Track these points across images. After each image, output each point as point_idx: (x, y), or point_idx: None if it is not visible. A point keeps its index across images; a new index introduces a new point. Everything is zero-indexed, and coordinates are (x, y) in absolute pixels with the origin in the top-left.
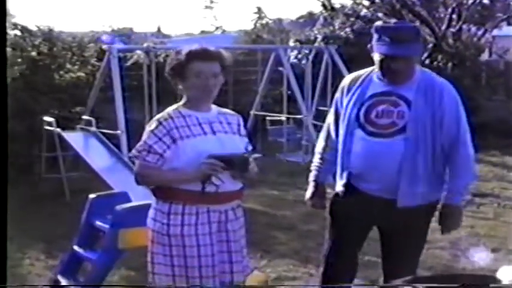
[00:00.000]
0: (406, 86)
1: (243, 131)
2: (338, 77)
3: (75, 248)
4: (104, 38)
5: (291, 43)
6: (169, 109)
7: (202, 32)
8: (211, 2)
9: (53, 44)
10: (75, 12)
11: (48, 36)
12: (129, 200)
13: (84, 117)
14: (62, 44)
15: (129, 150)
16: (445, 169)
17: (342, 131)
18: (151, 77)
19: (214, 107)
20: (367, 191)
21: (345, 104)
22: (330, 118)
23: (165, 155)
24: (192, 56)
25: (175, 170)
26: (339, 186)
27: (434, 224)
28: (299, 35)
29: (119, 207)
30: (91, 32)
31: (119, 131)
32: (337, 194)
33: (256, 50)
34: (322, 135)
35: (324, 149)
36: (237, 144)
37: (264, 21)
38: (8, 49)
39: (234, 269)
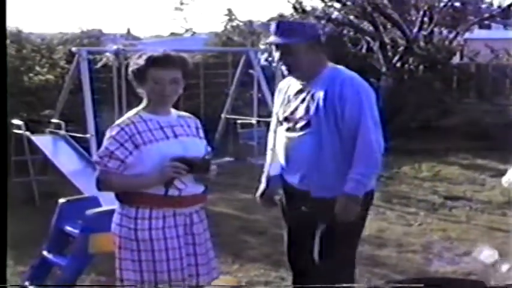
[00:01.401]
0: (315, 82)
1: (201, 133)
2: None
3: (45, 253)
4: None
5: (262, 45)
6: (130, 113)
7: (172, 34)
8: (181, 3)
9: (21, 46)
10: (44, 13)
11: (17, 37)
12: (99, 205)
13: (54, 120)
14: (30, 46)
15: None
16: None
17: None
18: (121, 79)
19: (173, 110)
20: (292, 184)
21: (277, 104)
22: (273, 118)
23: (127, 161)
24: (152, 61)
25: (137, 175)
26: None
27: (406, 227)
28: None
29: (89, 212)
30: (60, 33)
31: (88, 135)
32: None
33: (227, 52)
34: (270, 134)
35: (272, 147)
36: (199, 146)
37: (234, 23)
38: None
39: (200, 272)
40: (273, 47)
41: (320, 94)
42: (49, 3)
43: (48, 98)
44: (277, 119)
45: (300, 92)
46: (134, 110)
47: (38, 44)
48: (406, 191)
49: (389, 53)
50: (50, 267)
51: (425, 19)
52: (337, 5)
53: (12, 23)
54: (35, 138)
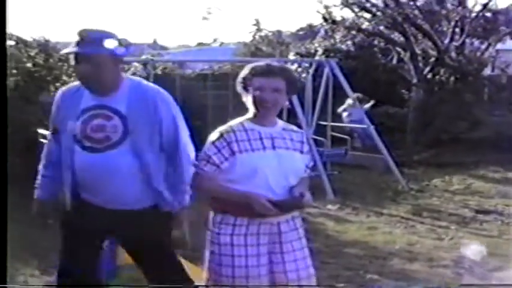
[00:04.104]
0: (115, 97)
1: (305, 148)
2: (338, 91)
3: None
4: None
5: (291, 56)
6: (233, 122)
7: (200, 44)
8: (209, 13)
9: (49, 56)
10: (71, 23)
11: (44, 47)
12: None
13: None
14: (58, 56)
15: None
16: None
17: (61, 147)
18: None
19: (280, 122)
20: (94, 203)
21: (59, 118)
22: (49, 134)
23: (222, 167)
24: (255, 71)
25: (228, 187)
26: (67, 200)
27: (437, 241)
28: (299, 47)
29: None
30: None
31: None
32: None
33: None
34: (44, 151)
35: (44, 166)
36: (297, 161)
37: (263, 33)
38: None
39: (290, 277)
40: (72, 57)
41: (131, 112)
42: (76, 13)
43: None
44: (72, 134)
45: (99, 107)
46: (239, 119)
47: (65, 53)
48: (436, 204)
49: (420, 64)
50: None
51: (457, 30)
52: (367, 16)
53: (39, 32)
54: None
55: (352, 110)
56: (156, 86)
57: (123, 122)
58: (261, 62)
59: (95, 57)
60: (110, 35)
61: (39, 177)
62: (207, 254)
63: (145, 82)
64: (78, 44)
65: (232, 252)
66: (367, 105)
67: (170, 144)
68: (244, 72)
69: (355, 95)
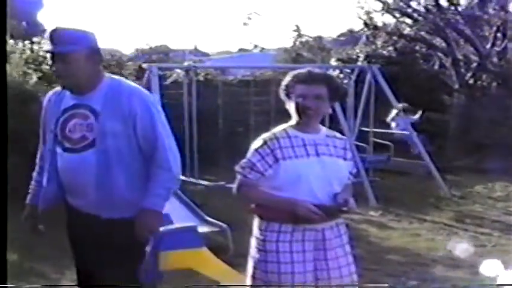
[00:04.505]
0: (93, 96)
1: (349, 155)
2: (381, 97)
3: None
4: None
5: (333, 62)
6: (277, 129)
7: (241, 50)
8: (249, 18)
9: None
10: (113, 30)
11: None
12: (170, 222)
13: None
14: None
15: None
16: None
17: (46, 150)
18: (191, 95)
19: (324, 129)
20: (78, 208)
21: (45, 122)
22: (41, 139)
23: (266, 174)
24: (297, 78)
25: (273, 194)
26: (53, 205)
27: (480, 248)
28: (340, 53)
29: (160, 229)
30: (130, 49)
31: None
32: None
33: (297, 69)
34: (37, 157)
35: (37, 171)
36: (340, 168)
37: (303, 39)
38: (47, 67)
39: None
40: (49, 56)
41: (104, 109)
42: (118, 19)
43: None
44: (54, 136)
45: (76, 107)
46: (282, 126)
47: (108, 60)
48: (479, 210)
49: (462, 70)
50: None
51: (499, 35)
52: (409, 21)
53: None
54: None
55: (399, 120)
56: (135, 85)
57: (98, 121)
58: (303, 69)
59: (71, 55)
60: (85, 33)
61: (32, 182)
62: (251, 260)
63: (126, 81)
64: (53, 42)
65: (278, 259)
66: (416, 116)
67: (147, 145)
68: (287, 79)
69: (401, 105)
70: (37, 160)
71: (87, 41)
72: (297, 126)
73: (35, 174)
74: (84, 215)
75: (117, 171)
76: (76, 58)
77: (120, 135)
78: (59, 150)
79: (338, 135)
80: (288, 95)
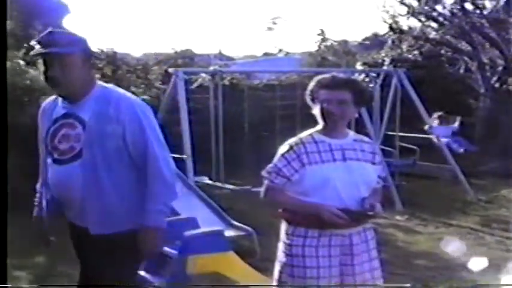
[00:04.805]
0: (82, 105)
1: (377, 159)
2: (406, 101)
3: (142, 273)
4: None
5: (358, 66)
6: (303, 134)
7: (266, 54)
8: (274, 23)
9: (117, 67)
10: (138, 35)
11: (112, 59)
12: (197, 226)
13: None
14: (126, 67)
15: (195, 174)
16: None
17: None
18: (217, 100)
19: (351, 133)
20: (71, 220)
21: (42, 129)
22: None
23: (292, 179)
24: (321, 84)
25: (299, 199)
26: (50, 217)
27: (506, 253)
28: (366, 57)
29: (187, 233)
30: (154, 54)
31: (184, 155)
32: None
33: (323, 73)
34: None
35: (40, 182)
36: (368, 172)
37: (328, 43)
38: None
39: None
40: (40, 61)
41: (91, 119)
42: (143, 25)
43: None
44: (46, 146)
45: (66, 116)
46: (309, 131)
47: (134, 64)
48: (506, 215)
49: (488, 73)
50: (147, 286)
51: None
52: (434, 25)
53: (107, 44)
54: None
55: (439, 129)
56: (126, 93)
57: (85, 130)
58: (327, 74)
59: (68, 58)
60: (80, 37)
61: (36, 194)
62: (278, 264)
63: (117, 89)
64: (49, 45)
65: (304, 263)
66: (456, 124)
67: (138, 154)
68: (311, 84)
69: (438, 113)
70: (40, 171)
71: (82, 44)
72: (324, 131)
73: (38, 185)
74: (76, 227)
75: (105, 183)
76: (73, 61)
77: (108, 145)
78: (49, 161)
79: (366, 139)
80: (313, 100)
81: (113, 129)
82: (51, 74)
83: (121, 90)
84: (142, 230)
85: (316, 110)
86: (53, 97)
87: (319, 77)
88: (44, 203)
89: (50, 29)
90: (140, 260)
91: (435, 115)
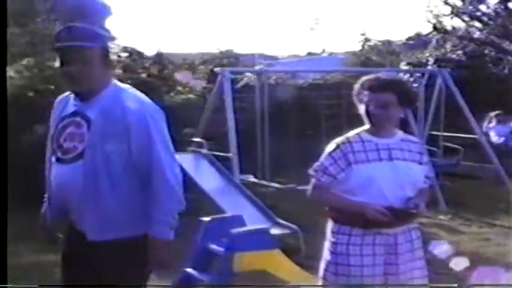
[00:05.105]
0: (92, 104)
1: (424, 159)
2: (451, 101)
3: (188, 270)
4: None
5: (402, 66)
6: (351, 133)
7: (309, 53)
8: (316, 23)
9: (163, 66)
10: (184, 35)
11: (159, 58)
12: (243, 224)
13: (195, 139)
14: (172, 66)
15: (241, 172)
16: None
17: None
18: (263, 99)
19: (399, 133)
20: (74, 224)
21: (52, 126)
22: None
23: (338, 177)
24: (364, 85)
25: (344, 197)
26: (54, 220)
27: None
28: (410, 57)
29: (234, 231)
30: (200, 53)
31: (230, 154)
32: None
33: (368, 73)
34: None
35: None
36: (414, 172)
37: (372, 43)
38: (119, 71)
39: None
40: (58, 56)
41: (98, 119)
42: (189, 24)
43: (189, 116)
44: (51, 143)
45: (74, 114)
46: (357, 130)
47: (180, 64)
48: None
49: None
50: (193, 284)
51: None
52: (478, 25)
53: (154, 44)
54: (177, 157)
55: (498, 129)
56: (139, 94)
57: (90, 130)
58: (372, 75)
59: (89, 52)
60: (100, 32)
61: (45, 195)
62: (322, 262)
63: (130, 89)
64: (65, 39)
65: (348, 261)
66: None
67: (142, 161)
68: (356, 85)
69: (495, 112)
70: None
71: (103, 40)
72: (371, 130)
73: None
74: (75, 229)
75: (105, 187)
76: (92, 56)
77: (111, 147)
78: (53, 159)
79: (414, 139)
80: (358, 101)
81: (117, 132)
82: (68, 68)
83: (135, 92)
84: (150, 241)
85: (361, 111)
86: (65, 94)
87: (364, 78)
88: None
89: (69, 24)
90: (143, 268)
91: (492, 114)
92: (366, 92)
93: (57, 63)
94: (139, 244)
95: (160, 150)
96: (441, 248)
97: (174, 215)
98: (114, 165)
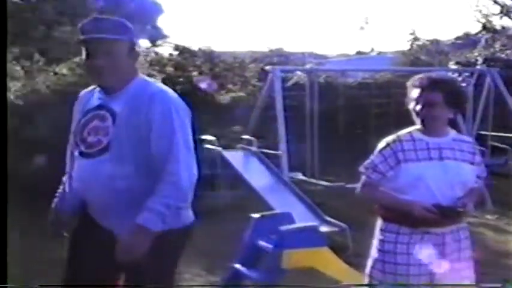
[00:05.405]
0: (117, 97)
1: (477, 159)
2: (500, 100)
3: (237, 266)
4: None
5: (451, 65)
6: (402, 132)
7: (358, 52)
8: (366, 22)
9: (214, 65)
10: (235, 33)
11: (210, 56)
12: (293, 221)
13: (245, 136)
14: (223, 65)
15: (290, 170)
16: None
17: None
18: (313, 97)
19: (452, 132)
20: (97, 220)
21: (75, 119)
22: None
23: (387, 175)
24: (414, 84)
25: (392, 195)
26: (72, 215)
27: None
28: (459, 56)
29: (283, 228)
30: (250, 52)
31: (280, 151)
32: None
33: (417, 72)
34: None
35: (66, 176)
36: (465, 172)
37: (420, 42)
38: (170, 69)
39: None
40: (84, 48)
41: (123, 112)
42: (239, 23)
43: (239, 114)
44: (75, 138)
45: (99, 108)
46: (408, 129)
47: (231, 62)
48: None
49: None
50: (242, 280)
51: None
52: None
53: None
54: (227, 154)
55: None
56: (165, 88)
57: (115, 123)
58: (422, 75)
59: (116, 44)
60: (128, 24)
61: (60, 186)
62: (370, 260)
63: (155, 83)
64: (91, 31)
65: (395, 260)
66: None
67: (162, 155)
68: (408, 83)
69: None
70: (67, 164)
71: (130, 33)
72: (423, 129)
73: (64, 177)
74: (98, 225)
75: (132, 181)
76: (119, 49)
77: (133, 141)
78: (76, 153)
79: (467, 138)
80: (409, 100)
81: (142, 124)
82: (95, 61)
83: (162, 86)
84: (134, 226)
85: (411, 109)
86: (90, 88)
87: (415, 76)
88: (63, 196)
89: (95, 16)
90: (169, 263)
91: None
92: (414, 91)
93: (83, 56)
94: (166, 236)
95: (180, 147)
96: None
97: (169, 208)
98: (140, 156)
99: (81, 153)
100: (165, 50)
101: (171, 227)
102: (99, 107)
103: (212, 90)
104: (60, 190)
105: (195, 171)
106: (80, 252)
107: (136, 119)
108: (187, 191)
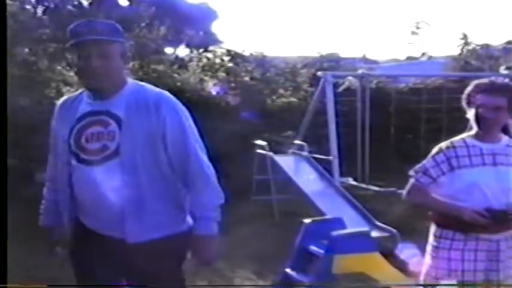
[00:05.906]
0: (115, 101)
1: None
2: None
3: (288, 270)
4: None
5: (501, 70)
6: (456, 138)
7: (409, 57)
8: (418, 27)
9: (266, 70)
10: (286, 38)
11: (261, 61)
12: (344, 227)
13: (296, 141)
14: (275, 70)
15: (341, 175)
16: (184, 193)
17: (58, 162)
18: (364, 102)
19: (505, 138)
20: (96, 230)
21: (56, 131)
22: (52, 150)
23: (438, 180)
24: (478, 88)
25: (440, 200)
26: (67, 226)
27: None
28: (509, 61)
29: (335, 233)
30: (301, 57)
31: (331, 156)
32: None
33: (465, 77)
34: (47, 172)
35: (47, 187)
36: None
37: (471, 47)
38: (222, 74)
39: None
40: (75, 51)
41: (129, 116)
42: (290, 28)
43: (291, 119)
44: (68, 147)
45: (96, 113)
46: (462, 135)
47: (282, 67)
48: None
49: None
50: (292, 284)
51: None
52: None
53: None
54: (278, 159)
55: None
56: (161, 90)
57: (122, 128)
58: (486, 79)
59: (110, 47)
60: (118, 27)
61: (43, 201)
62: (423, 266)
63: (151, 87)
64: (84, 34)
65: (449, 266)
66: None
67: (178, 156)
68: (469, 88)
69: None
70: (46, 176)
71: (122, 36)
72: (477, 135)
73: (45, 192)
74: (105, 238)
75: (144, 185)
76: (115, 51)
77: (145, 145)
78: (73, 162)
79: None
80: (468, 104)
81: (152, 127)
82: (90, 64)
83: (160, 90)
84: (195, 238)
85: (470, 114)
86: (72, 95)
87: (478, 81)
88: (55, 209)
89: (88, 19)
90: (179, 267)
91: None
92: (479, 95)
93: (74, 59)
94: (179, 241)
95: (196, 146)
96: (408, 252)
97: (217, 209)
98: (148, 161)
99: (81, 161)
100: (217, 55)
101: (176, 231)
102: (94, 113)
103: (222, 95)
104: (45, 205)
105: (212, 168)
106: (90, 266)
107: (147, 121)
108: (219, 187)
